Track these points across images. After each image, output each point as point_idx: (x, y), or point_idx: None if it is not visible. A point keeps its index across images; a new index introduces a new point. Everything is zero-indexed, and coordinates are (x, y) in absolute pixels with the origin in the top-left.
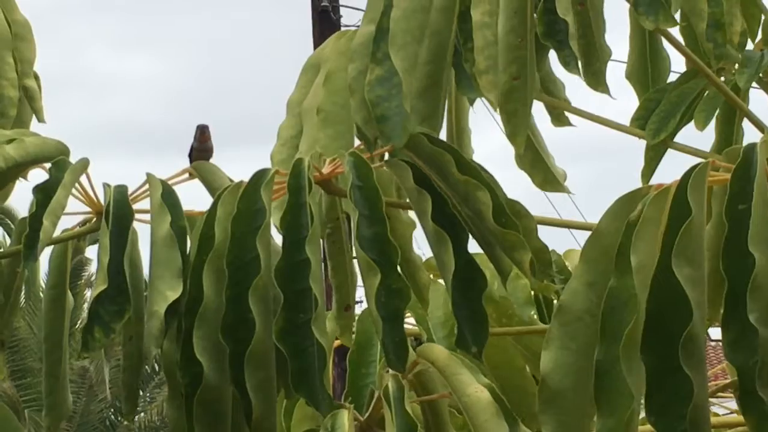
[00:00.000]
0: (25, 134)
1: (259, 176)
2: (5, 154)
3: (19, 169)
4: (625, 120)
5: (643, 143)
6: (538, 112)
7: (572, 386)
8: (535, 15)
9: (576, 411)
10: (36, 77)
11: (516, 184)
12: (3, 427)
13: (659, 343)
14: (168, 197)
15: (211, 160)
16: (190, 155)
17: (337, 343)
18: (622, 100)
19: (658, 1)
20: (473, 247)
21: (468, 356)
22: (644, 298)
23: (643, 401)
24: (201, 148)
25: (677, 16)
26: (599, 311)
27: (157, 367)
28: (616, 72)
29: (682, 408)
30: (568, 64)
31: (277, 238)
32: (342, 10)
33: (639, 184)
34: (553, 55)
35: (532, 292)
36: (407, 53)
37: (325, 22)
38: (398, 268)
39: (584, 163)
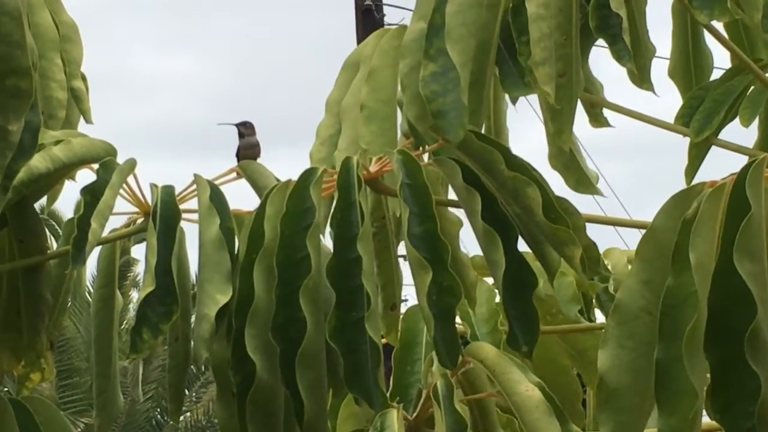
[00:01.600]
0: (72, 135)
1: (308, 175)
2: (53, 155)
3: (67, 170)
4: (666, 117)
5: (685, 140)
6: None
7: (630, 385)
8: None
9: (634, 410)
10: (83, 78)
11: (556, 184)
12: (52, 426)
13: (723, 340)
14: (216, 198)
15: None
16: (237, 154)
17: (382, 341)
18: (662, 97)
19: None
20: (520, 245)
21: (516, 355)
22: (704, 296)
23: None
24: (247, 145)
25: None
26: (656, 309)
27: (203, 367)
28: (656, 69)
29: (749, 405)
30: (621, 57)
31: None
32: (385, 9)
33: (683, 182)
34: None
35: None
36: (463, 47)
37: (368, 20)
38: (448, 266)
39: (627, 160)
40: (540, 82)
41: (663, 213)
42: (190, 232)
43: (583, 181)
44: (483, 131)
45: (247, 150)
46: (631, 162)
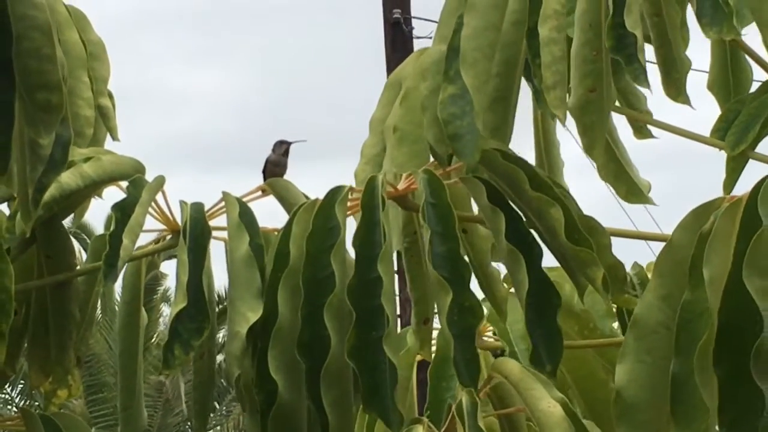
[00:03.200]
0: (101, 152)
1: (334, 193)
2: (82, 172)
3: (96, 187)
4: (702, 129)
5: (723, 153)
6: (620, 122)
7: (647, 399)
8: None
9: (651, 424)
10: (110, 95)
11: (594, 192)
12: None
13: (731, 356)
14: (245, 216)
15: (285, 176)
16: (264, 169)
17: (418, 357)
18: (701, 107)
19: (721, 12)
20: (551, 260)
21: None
22: (717, 311)
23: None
24: (275, 162)
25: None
26: (674, 324)
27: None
28: (696, 81)
29: (755, 421)
30: (637, 78)
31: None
32: (414, 22)
33: (720, 194)
34: None
35: (614, 306)
36: (477, 71)
37: (397, 34)
38: (470, 286)
39: (663, 173)
40: (551, 105)
41: (681, 228)
42: (215, 248)
43: (634, 191)
44: (533, 146)
45: (275, 167)
46: (665, 174)
